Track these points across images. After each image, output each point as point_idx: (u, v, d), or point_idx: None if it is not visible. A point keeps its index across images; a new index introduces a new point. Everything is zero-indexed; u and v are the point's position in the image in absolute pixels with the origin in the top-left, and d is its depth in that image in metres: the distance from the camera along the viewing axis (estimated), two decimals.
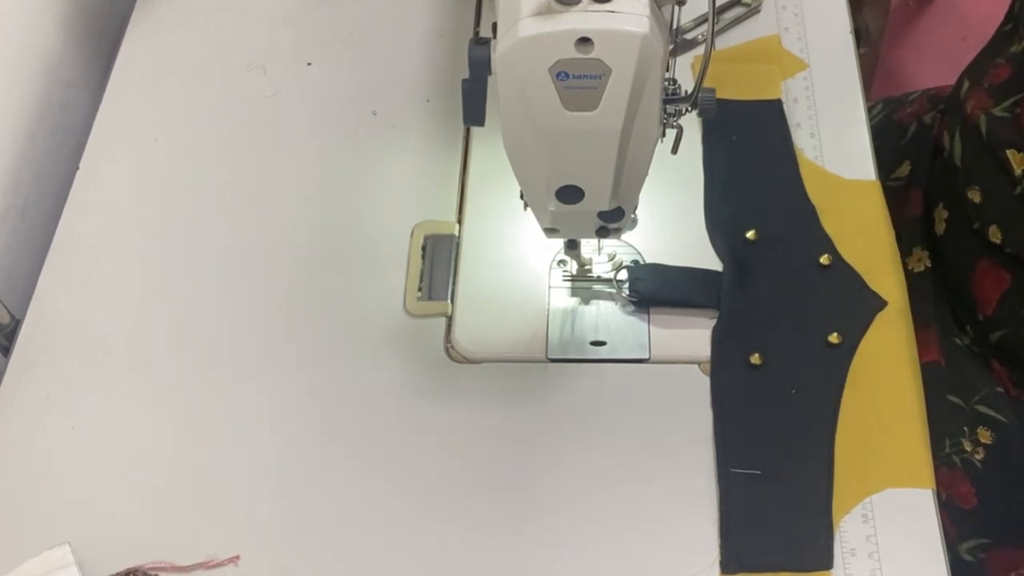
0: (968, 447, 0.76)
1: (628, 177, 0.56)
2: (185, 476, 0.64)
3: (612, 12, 0.46)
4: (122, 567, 0.61)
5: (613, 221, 0.60)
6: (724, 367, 0.66)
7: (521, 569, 0.61)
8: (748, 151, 0.75)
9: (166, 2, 0.86)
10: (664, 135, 0.55)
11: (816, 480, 0.63)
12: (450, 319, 0.69)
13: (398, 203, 0.75)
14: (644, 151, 0.54)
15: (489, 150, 0.76)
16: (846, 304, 0.69)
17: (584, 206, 0.57)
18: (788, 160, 0.75)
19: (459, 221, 0.73)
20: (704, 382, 0.66)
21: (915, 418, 0.65)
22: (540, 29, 0.46)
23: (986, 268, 0.76)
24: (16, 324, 0.73)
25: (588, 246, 0.69)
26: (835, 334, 0.67)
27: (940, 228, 0.81)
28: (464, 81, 0.52)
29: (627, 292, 0.69)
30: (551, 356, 0.68)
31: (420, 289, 0.71)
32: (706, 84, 0.54)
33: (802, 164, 0.75)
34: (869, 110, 0.81)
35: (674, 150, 0.57)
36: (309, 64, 0.82)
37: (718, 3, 0.82)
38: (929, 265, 0.82)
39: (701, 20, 0.81)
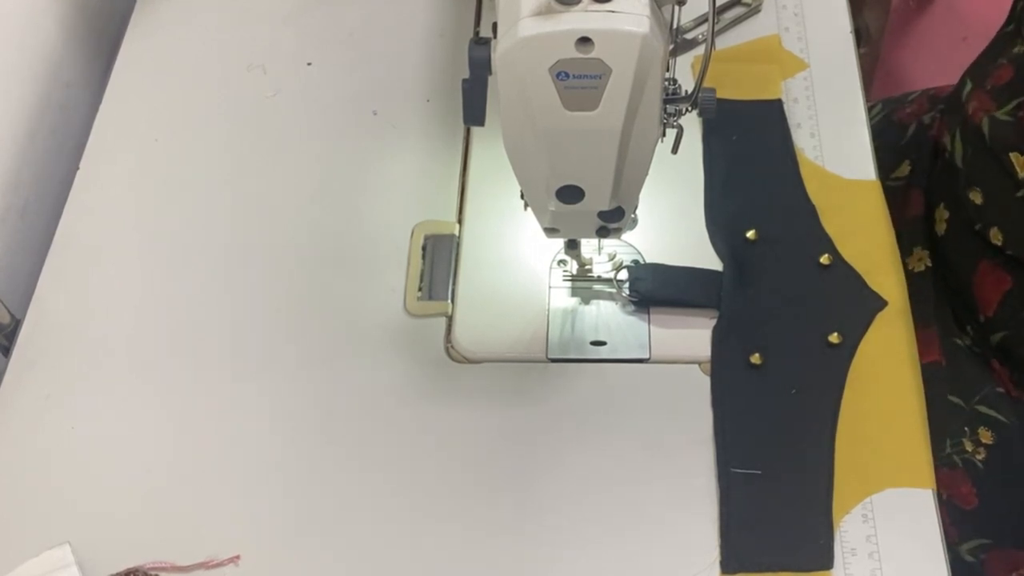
0: (969, 447, 0.76)
1: (628, 177, 0.56)
2: (185, 476, 0.64)
3: (612, 12, 0.46)
4: (122, 567, 0.61)
5: (613, 221, 0.60)
6: (724, 367, 0.66)
7: (521, 569, 0.61)
8: (748, 151, 0.75)
9: (166, 2, 0.86)
10: (664, 135, 0.55)
11: (816, 480, 0.62)
12: (450, 319, 0.69)
13: (398, 203, 0.75)
14: (644, 151, 0.54)
15: (489, 150, 0.76)
16: (846, 304, 0.69)
17: (584, 206, 0.57)
18: (788, 160, 0.75)
19: (459, 221, 0.73)
20: (704, 382, 0.66)
21: (915, 418, 0.65)
22: (540, 29, 0.46)
23: (987, 269, 0.76)
24: (16, 324, 0.73)
25: (588, 246, 0.69)
26: (835, 334, 0.67)
27: (941, 228, 0.81)
28: (464, 81, 0.52)
29: (627, 292, 0.69)
30: (551, 356, 0.68)
31: (420, 289, 0.71)
32: (706, 84, 0.54)
33: (802, 164, 0.75)
34: (869, 110, 0.81)
35: (674, 150, 0.57)
36: (309, 64, 0.82)
37: (718, 3, 0.82)
38: (929, 265, 0.82)
39: (701, 20, 0.81)
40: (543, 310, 0.69)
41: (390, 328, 0.69)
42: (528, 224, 0.65)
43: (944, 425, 0.77)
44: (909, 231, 0.84)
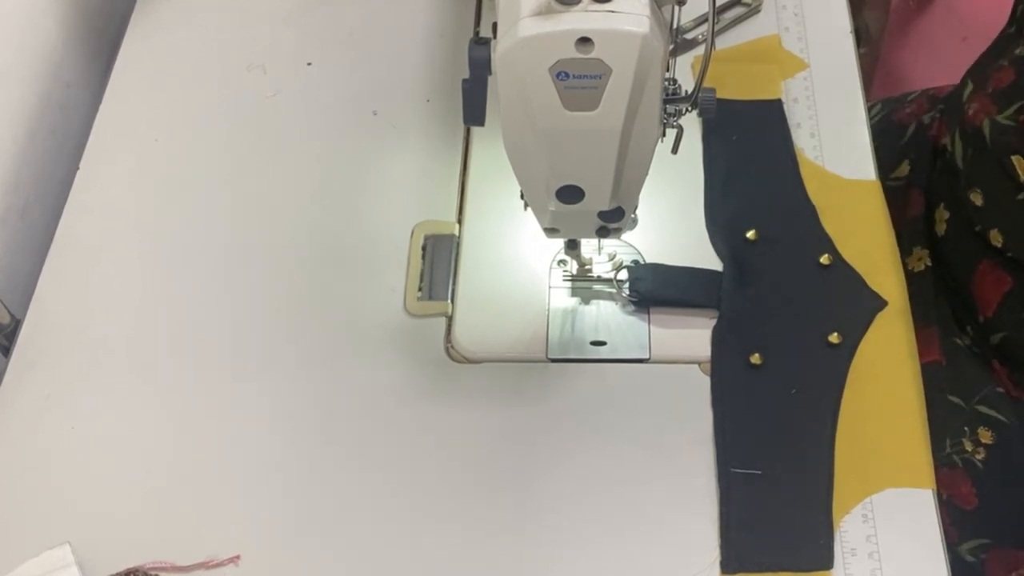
0: (969, 447, 0.76)
1: (628, 177, 0.56)
2: (185, 476, 0.64)
3: (612, 12, 0.46)
4: (122, 567, 0.61)
5: (613, 221, 0.60)
6: (724, 367, 0.66)
7: (521, 569, 0.61)
8: (748, 151, 0.75)
9: (166, 2, 0.86)
10: (664, 135, 0.55)
11: (816, 480, 0.62)
12: (450, 319, 0.69)
13: (398, 203, 0.75)
14: (644, 151, 0.54)
15: (489, 150, 0.76)
16: (846, 304, 0.69)
17: (584, 206, 0.57)
18: (788, 160, 0.75)
19: (459, 221, 0.73)
20: (704, 382, 0.66)
21: (915, 418, 0.65)
22: (540, 29, 0.46)
23: (987, 270, 0.76)
24: (16, 324, 0.73)
25: (588, 246, 0.69)
26: (835, 334, 0.67)
27: (941, 229, 0.81)
28: (464, 81, 0.52)
29: (627, 292, 0.69)
30: (551, 356, 0.68)
31: (420, 289, 0.71)
32: (706, 84, 0.54)
33: (802, 164, 0.75)
34: (869, 110, 0.81)
35: (674, 150, 0.57)
36: (309, 64, 0.82)
37: (718, 3, 0.82)
38: (929, 265, 0.82)
39: (701, 20, 0.81)
40: (543, 310, 0.69)
41: (390, 328, 0.69)
42: (528, 224, 0.65)
43: (944, 425, 0.77)
44: (909, 231, 0.84)
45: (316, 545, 0.62)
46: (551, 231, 0.62)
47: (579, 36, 0.46)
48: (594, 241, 0.69)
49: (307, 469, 0.64)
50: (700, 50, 0.79)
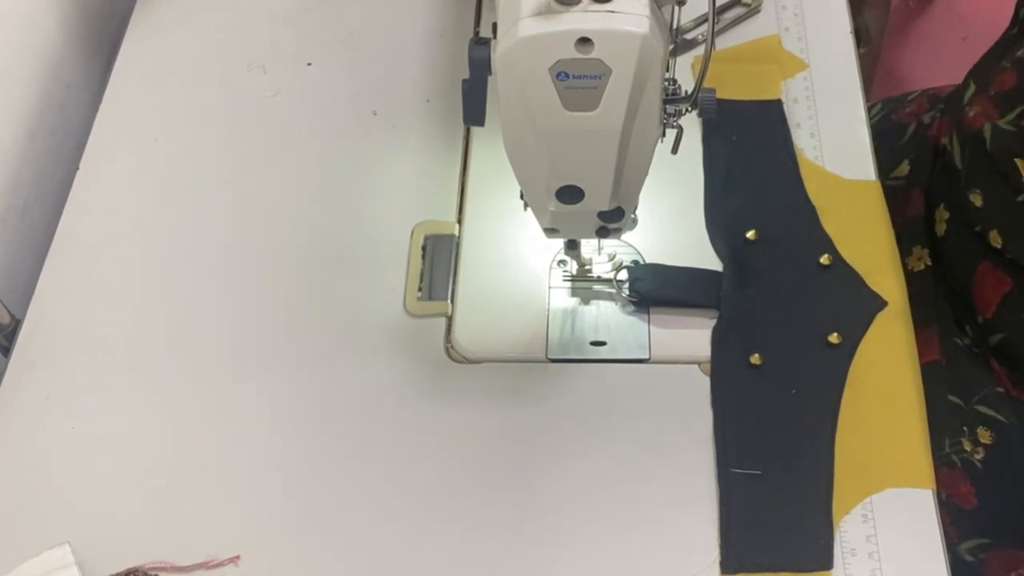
0: (968, 447, 0.76)
1: (628, 177, 0.56)
2: (185, 476, 0.64)
3: (612, 12, 0.46)
4: (122, 567, 0.61)
5: (613, 221, 0.60)
6: (724, 367, 0.66)
7: (521, 569, 0.61)
8: (748, 151, 0.75)
9: (166, 2, 0.86)
10: (664, 135, 0.55)
11: (816, 480, 0.62)
12: (450, 319, 0.69)
13: (398, 203, 0.75)
14: (644, 151, 0.54)
15: (489, 150, 0.76)
16: (846, 304, 0.69)
17: (584, 206, 0.57)
18: (788, 160, 0.75)
19: (459, 221, 0.73)
20: (704, 382, 0.66)
21: (915, 418, 0.65)
22: (540, 29, 0.46)
23: (987, 270, 0.76)
24: (16, 324, 0.73)
25: (588, 246, 0.69)
26: (835, 334, 0.67)
27: (941, 229, 0.81)
28: (464, 81, 0.52)
29: (627, 292, 0.69)
30: (551, 356, 0.68)
31: (420, 289, 0.71)
32: (706, 84, 0.54)
33: (802, 164, 0.75)
34: (869, 110, 0.81)
35: (674, 150, 0.57)
36: (309, 64, 0.82)
37: (718, 3, 0.82)
38: (929, 264, 0.82)
39: (701, 20, 0.81)
40: (543, 310, 0.69)
41: (390, 328, 0.69)
42: (528, 224, 0.65)
43: (943, 425, 0.77)
44: (909, 231, 0.84)
45: (316, 545, 0.62)
46: (551, 231, 0.62)
47: (579, 36, 0.46)
48: (594, 241, 0.69)
49: (307, 469, 0.64)
50: (700, 50, 0.79)
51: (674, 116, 0.55)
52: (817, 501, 0.62)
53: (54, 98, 0.84)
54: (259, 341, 0.69)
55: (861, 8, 1.24)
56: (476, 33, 0.83)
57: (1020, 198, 0.72)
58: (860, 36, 1.18)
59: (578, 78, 0.48)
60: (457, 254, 0.72)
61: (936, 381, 0.74)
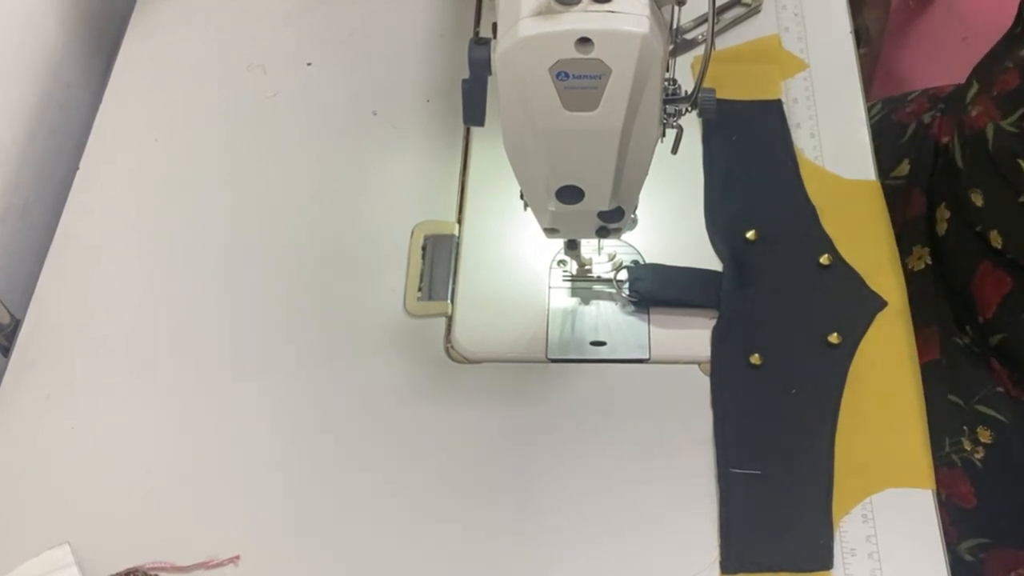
0: (968, 447, 0.76)
1: (628, 177, 0.56)
2: (185, 476, 0.64)
3: (612, 12, 0.46)
4: (122, 567, 0.61)
5: (613, 221, 0.60)
6: (724, 367, 0.66)
7: (521, 569, 0.61)
8: (748, 151, 0.75)
9: (166, 2, 0.86)
10: (664, 135, 0.55)
11: (816, 480, 0.62)
12: (450, 319, 0.69)
13: (398, 203, 0.75)
14: (644, 151, 0.54)
15: (489, 150, 0.76)
16: (846, 304, 0.69)
17: (584, 206, 0.57)
18: (788, 160, 0.75)
19: (459, 221, 0.73)
20: (704, 382, 0.66)
21: (915, 418, 0.65)
22: (540, 29, 0.46)
23: (987, 270, 0.76)
24: (16, 324, 0.73)
25: (588, 246, 0.69)
26: (835, 334, 0.67)
27: (941, 228, 0.81)
28: (464, 81, 0.52)
29: (627, 292, 0.69)
30: (551, 356, 0.68)
31: (420, 289, 0.71)
32: (706, 84, 0.54)
33: (802, 164, 0.75)
34: (869, 110, 0.81)
35: (674, 150, 0.57)
36: (309, 64, 0.82)
37: (718, 3, 0.82)
38: (929, 263, 0.82)
39: (701, 20, 0.81)
40: (543, 310, 0.69)
41: (390, 328, 0.69)
42: (528, 224, 0.65)
43: (943, 425, 0.77)
44: (909, 230, 0.84)
45: (316, 545, 0.62)
46: (551, 231, 0.62)
47: (579, 36, 0.46)
48: (594, 241, 0.69)
49: (307, 469, 0.64)
50: (700, 50, 0.79)
51: (674, 116, 0.55)
52: (817, 501, 0.62)
53: (54, 98, 0.84)
54: (259, 341, 0.69)
55: (861, 8, 1.24)
56: (476, 33, 0.83)
57: (1021, 199, 0.72)
58: (860, 36, 1.18)
59: (578, 78, 0.48)
60: (457, 254, 0.72)
61: (936, 381, 0.74)
